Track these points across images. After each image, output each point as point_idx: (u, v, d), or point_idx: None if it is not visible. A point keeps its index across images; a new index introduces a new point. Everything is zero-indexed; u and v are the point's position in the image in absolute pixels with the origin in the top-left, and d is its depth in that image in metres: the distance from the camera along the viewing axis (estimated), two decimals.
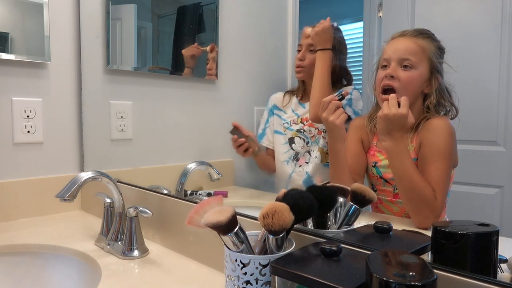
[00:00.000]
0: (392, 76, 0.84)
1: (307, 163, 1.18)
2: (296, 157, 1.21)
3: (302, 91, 1.26)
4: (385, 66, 0.87)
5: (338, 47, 1.12)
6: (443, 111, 0.85)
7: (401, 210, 0.87)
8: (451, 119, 0.85)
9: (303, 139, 1.20)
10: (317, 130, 1.16)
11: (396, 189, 0.88)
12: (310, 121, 1.17)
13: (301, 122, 1.21)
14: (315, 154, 1.16)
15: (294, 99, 1.26)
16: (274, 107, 1.31)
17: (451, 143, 0.82)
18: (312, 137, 1.18)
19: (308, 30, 1.13)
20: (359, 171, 0.93)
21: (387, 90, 0.85)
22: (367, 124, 0.95)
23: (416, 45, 0.85)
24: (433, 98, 0.85)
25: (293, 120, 1.23)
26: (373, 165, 0.92)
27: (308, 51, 1.14)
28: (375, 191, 0.91)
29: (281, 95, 1.31)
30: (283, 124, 1.25)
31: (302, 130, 1.20)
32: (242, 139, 1.24)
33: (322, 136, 1.15)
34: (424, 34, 0.86)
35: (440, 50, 0.86)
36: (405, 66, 0.84)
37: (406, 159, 0.80)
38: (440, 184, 0.79)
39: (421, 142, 0.83)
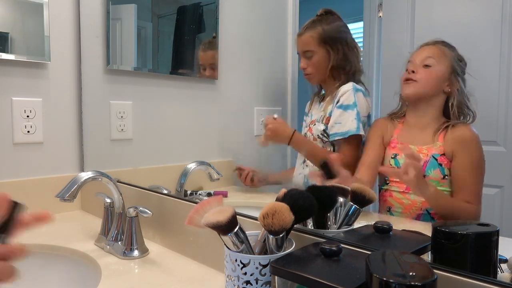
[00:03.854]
0: (413, 71, 0.90)
1: (307, 166, 1.18)
2: (304, 160, 1.21)
3: (323, 93, 1.24)
4: (407, 70, 0.92)
5: (332, 38, 1.11)
6: (462, 116, 0.88)
7: (412, 203, 0.88)
8: (471, 122, 0.88)
9: None
10: (312, 136, 1.16)
11: None
12: (312, 126, 1.17)
13: (309, 124, 1.20)
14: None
15: (318, 102, 1.23)
16: (305, 113, 1.30)
17: (482, 153, 0.85)
18: None
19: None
20: (376, 165, 0.96)
21: (407, 84, 0.91)
22: (387, 117, 0.99)
23: (437, 48, 0.91)
24: (454, 99, 0.88)
25: (307, 123, 1.22)
26: (393, 156, 0.93)
27: (305, 58, 1.14)
28: (387, 183, 0.93)
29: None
30: (303, 127, 1.25)
31: (306, 135, 1.19)
32: (245, 171, 1.26)
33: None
34: (445, 43, 0.91)
35: (460, 59, 0.90)
36: (426, 66, 0.89)
37: (446, 198, 0.85)
38: (477, 195, 0.83)
39: (454, 153, 0.86)
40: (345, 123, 1.04)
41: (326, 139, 1.11)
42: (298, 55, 1.18)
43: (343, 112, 1.05)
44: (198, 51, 1.43)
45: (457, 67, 0.90)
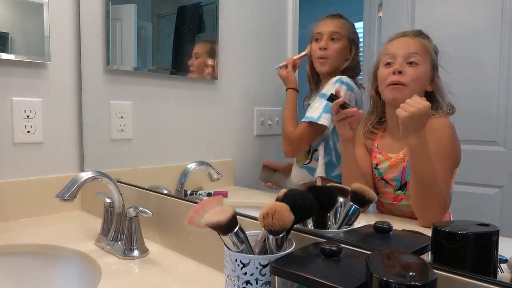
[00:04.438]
0: (400, 72, 0.85)
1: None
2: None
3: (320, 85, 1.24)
4: (389, 64, 0.87)
5: (355, 40, 1.13)
6: (440, 110, 0.86)
7: (402, 213, 0.87)
8: (450, 114, 0.85)
9: None
10: None
11: (396, 190, 0.87)
12: None
13: None
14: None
15: (315, 94, 1.24)
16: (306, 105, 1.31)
17: (453, 143, 0.82)
18: None
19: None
20: (368, 171, 0.93)
21: (396, 89, 0.85)
22: (361, 128, 0.95)
23: (419, 43, 0.86)
24: (435, 97, 0.85)
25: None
26: (375, 166, 0.92)
27: (331, 39, 1.12)
28: (377, 193, 0.91)
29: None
30: None
31: None
32: (269, 184, 1.25)
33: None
34: (424, 35, 0.87)
35: (436, 51, 0.87)
36: (411, 63, 0.85)
37: (430, 158, 0.77)
38: (444, 185, 0.79)
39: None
40: (313, 109, 1.07)
41: None
42: (315, 39, 1.16)
43: (318, 99, 1.07)
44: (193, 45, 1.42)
45: (436, 62, 0.86)
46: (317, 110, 1.06)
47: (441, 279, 0.49)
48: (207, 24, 1.41)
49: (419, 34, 0.87)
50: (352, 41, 1.12)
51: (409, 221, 0.85)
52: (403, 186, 0.87)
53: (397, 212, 0.88)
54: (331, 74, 1.14)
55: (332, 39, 1.12)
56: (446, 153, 0.82)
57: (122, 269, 0.86)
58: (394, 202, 0.88)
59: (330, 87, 1.06)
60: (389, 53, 0.88)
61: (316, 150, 1.12)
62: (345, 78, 1.07)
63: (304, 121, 1.08)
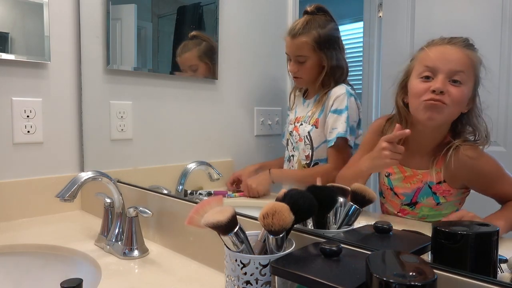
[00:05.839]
0: (442, 92, 0.72)
1: (292, 166, 1.17)
2: (289, 158, 1.20)
3: (305, 89, 1.25)
4: (427, 78, 0.75)
5: (328, 44, 1.09)
6: (471, 135, 0.78)
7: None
8: (481, 145, 0.77)
9: (291, 142, 1.19)
10: (298, 136, 1.14)
11: (404, 205, 0.84)
12: (297, 125, 1.16)
13: (294, 122, 1.19)
14: (295, 161, 1.15)
15: (300, 97, 1.23)
16: (287, 108, 1.29)
17: (492, 159, 0.76)
18: (296, 142, 1.16)
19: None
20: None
21: (434, 106, 0.74)
22: (386, 130, 0.87)
23: (467, 58, 0.74)
24: (473, 119, 0.77)
25: (291, 120, 1.22)
26: (386, 175, 0.87)
27: (297, 63, 1.10)
28: (383, 196, 0.90)
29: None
30: (288, 123, 1.24)
31: (292, 133, 1.19)
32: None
33: (302, 149, 1.12)
34: (472, 46, 0.76)
35: (482, 64, 0.76)
36: (455, 81, 0.73)
37: (505, 222, 0.71)
38: None
39: (467, 180, 0.77)
40: (338, 127, 1.03)
41: (308, 142, 1.10)
42: (286, 55, 1.14)
43: (337, 117, 1.04)
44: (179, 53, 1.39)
45: (480, 79, 0.75)
46: (342, 125, 1.01)
47: (441, 279, 0.49)
48: (207, 24, 1.41)
49: (467, 44, 0.75)
50: (322, 51, 1.07)
51: (410, 221, 0.85)
52: (412, 204, 0.83)
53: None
54: (314, 84, 1.13)
55: (299, 62, 1.10)
56: (500, 172, 0.76)
57: (122, 269, 0.86)
58: (399, 214, 0.86)
59: (341, 100, 1.03)
60: (428, 64, 0.75)
61: (317, 163, 1.09)
62: (348, 89, 1.05)
63: (340, 138, 1.02)
